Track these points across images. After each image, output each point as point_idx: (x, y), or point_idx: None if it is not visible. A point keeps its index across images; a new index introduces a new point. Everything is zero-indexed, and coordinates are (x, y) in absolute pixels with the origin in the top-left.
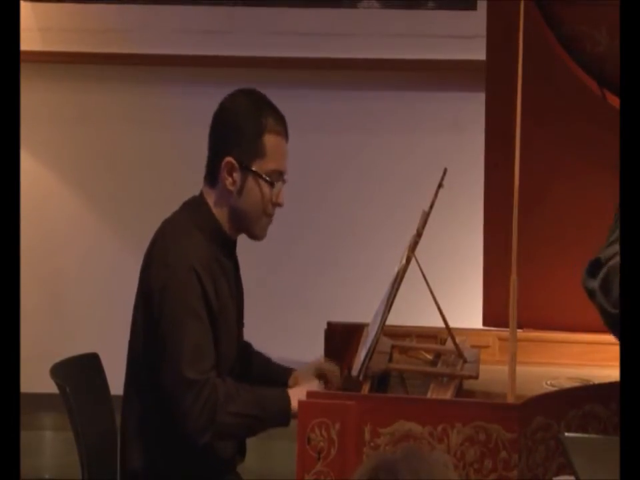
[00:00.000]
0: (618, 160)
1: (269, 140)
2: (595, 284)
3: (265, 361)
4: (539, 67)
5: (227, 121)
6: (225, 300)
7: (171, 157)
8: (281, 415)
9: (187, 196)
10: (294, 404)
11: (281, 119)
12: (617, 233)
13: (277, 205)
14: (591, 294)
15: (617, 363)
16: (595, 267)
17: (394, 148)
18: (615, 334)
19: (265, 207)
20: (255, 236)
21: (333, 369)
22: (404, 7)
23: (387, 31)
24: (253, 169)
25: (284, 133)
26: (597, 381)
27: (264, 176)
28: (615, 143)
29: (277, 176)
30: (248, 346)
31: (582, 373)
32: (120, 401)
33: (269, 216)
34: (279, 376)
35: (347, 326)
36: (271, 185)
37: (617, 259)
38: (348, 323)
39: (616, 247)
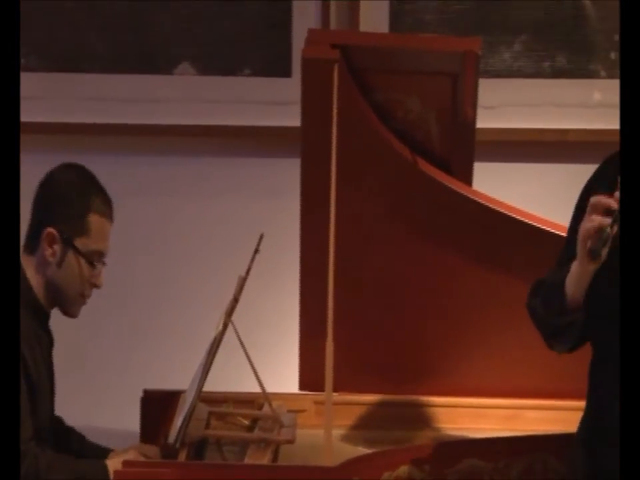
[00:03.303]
0: (430, 223)
1: (94, 220)
2: (537, 301)
3: (81, 437)
4: (353, 134)
5: (54, 191)
6: (41, 370)
7: None
8: None
9: None
10: (112, 474)
11: (108, 201)
12: (564, 257)
13: (95, 286)
14: (532, 313)
15: (432, 425)
16: (538, 287)
17: (211, 213)
18: (553, 345)
19: (82, 286)
20: (68, 313)
21: (151, 450)
22: (220, 74)
23: (203, 97)
24: (75, 245)
25: (109, 215)
26: (410, 443)
27: (86, 255)
28: (428, 210)
29: (98, 257)
30: (61, 420)
31: (396, 435)
32: None
33: (85, 297)
34: (96, 453)
35: (164, 393)
36: (92, 265)
37: (559, 274)
38: (165, 390)
39: (558, 271)
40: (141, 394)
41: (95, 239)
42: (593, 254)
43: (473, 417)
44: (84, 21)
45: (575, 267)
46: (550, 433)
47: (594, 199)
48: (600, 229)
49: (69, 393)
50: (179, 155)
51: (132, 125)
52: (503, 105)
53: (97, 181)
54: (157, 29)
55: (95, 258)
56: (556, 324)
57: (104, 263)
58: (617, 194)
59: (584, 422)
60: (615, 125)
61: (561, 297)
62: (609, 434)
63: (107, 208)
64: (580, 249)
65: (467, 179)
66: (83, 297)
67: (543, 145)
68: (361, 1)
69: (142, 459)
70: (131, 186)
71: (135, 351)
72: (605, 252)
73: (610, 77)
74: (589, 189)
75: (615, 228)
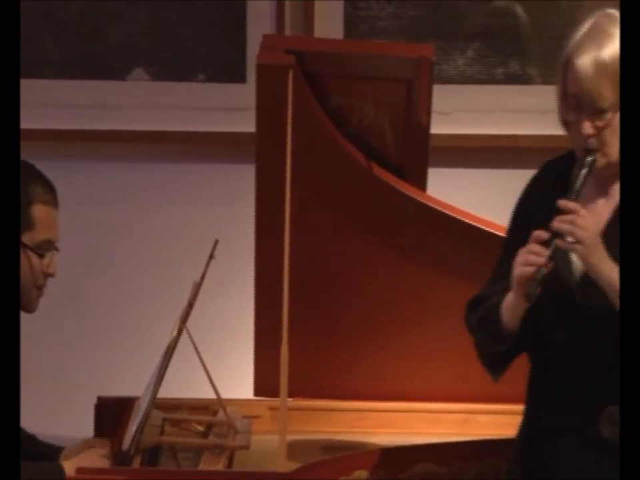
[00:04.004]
0: (385, 229)
1: (38, 210)
2: (474, 319)
3: (31, 437)
4: (308, 139)
5: None
6: None
7: None
8: None
9: None
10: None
11: (49, 188)
12: (499, 271)
13: (49, 275)
14: (471, 329)
15: (386, 430)
16: (476, 304)
17: (166, 219)
18: (489, 370)
19: (35, 279)
20: (25, 309)
21: (103, 444)
22: (174, 79)
23: (158, 103)
24: (23, 241)
25: (53, 201)
26: (364, 448)
27: (33, 248)
28: (382, 215)
29: (48, 246)
30: None
31: (350, 440)
32: None
33: (40, 288)
34: (48, 453)
35: (118, 400)
36: (41, 256)
37: (495, 298)
38: (119, 396)
39: (496, 286)
40: (94, 400)
41: (41, 230)
42: (528, 297)
43: (427, 421)
44: (38, 27)
45: (510, 296)
46: (503, 437)
47: (532, 237)
48: (536, 272)
49: (22, 400)
50: (133, 161)
51: (85, 131)
52: (456, 111)
53: (35, 170)
54: (110, 35)
55: (44, 248)
56: (492, 352)
57: (56, 249)
58: (557, 220)
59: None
60: None
61: (496, 324)
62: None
63: (49, 195)
64: (515, 286)
65: (421, 185)
66: (38, 289)
67: (496, 151)
68: (316, 7)
69: (95, 456)
70: (84, 192)
71: (89, 357)
72: (539, 290)
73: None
74: (524, 200)
75: (550, 265)
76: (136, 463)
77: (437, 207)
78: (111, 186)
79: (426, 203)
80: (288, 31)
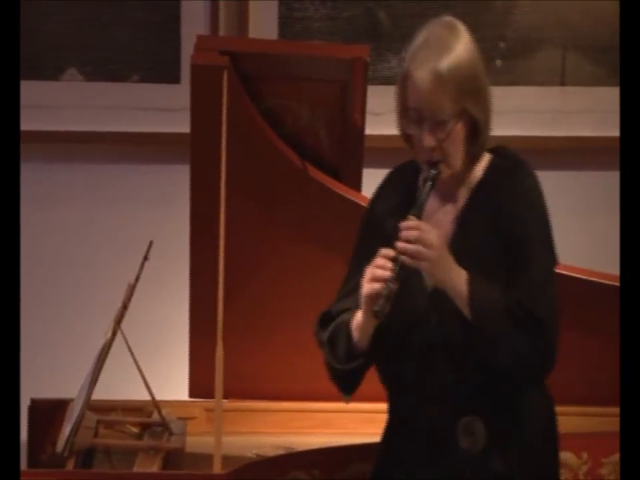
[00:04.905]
0: (320, 229)
1: None
2: (324, 337)
3: None
4: (243, 140)
5: None
6: None
7: None
8: None
9: None
10: None
11: None
12: (347, 286)
13: None
14: (321, 345)
15: (322, 430)
16: (325, 319)
17: (100, 220)
18: (339, 388)
19: None
20: None
21: None
22: (108, 80)
23: (91, 103)
24: None
25: None
26: (300, 449)
27: None
28: (318, 215)
29: None
30: None
31: (286, 440)
32: None
33: None
34: None
35: (52, 402)
36: None
37: (344, 316)
38: (52, 398)
39: (345, 301)
40: (28, 402)
41: None
42: (377, 314)
43: (362, 421)
44: None
45: (359, 315)
46: None
47: (379, 254)
48: (383, 288)
49: None
50: (67, 162)
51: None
52: (391, 112)
53: None
54: (43, 35)
55: None
56: (342, 371)
57: None
58: (402, 239)
59: None
60: (517, 130)
61: (346, 343)
62: None
63: None
64: (364, 304)
65: (356, 185)
66: None
67: None
68: (250, 7)
69: None
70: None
71: (22, 358)
72: (388, 307)
73: (495, 83)
74: (371, 212)
75: (398, 281)
76: (70, 465)
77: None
78: (44, 187)
79: (361, 203)
80: (222, 32)
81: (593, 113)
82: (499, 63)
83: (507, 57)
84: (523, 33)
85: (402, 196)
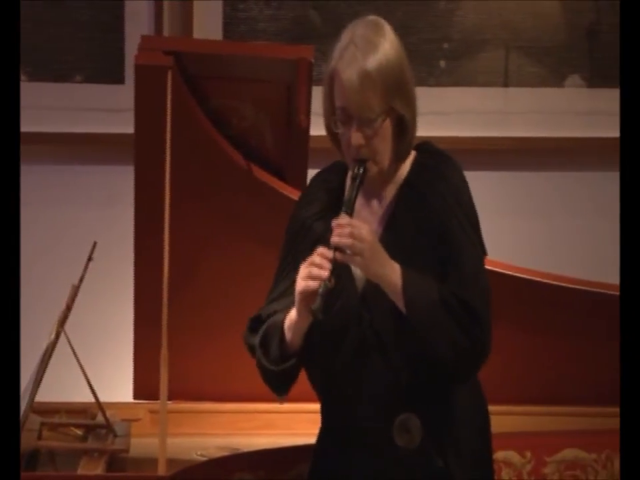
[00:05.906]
0: (265, 229)
1: None
2: (255, 340)
3: None
4: (187, 141)
5: None
6: None
7: None
8: None
9: None
10: None
11: None
12: (277, 290)
13: None
14: (251, 350)
15: (267, 431)
16: (256, 323)
17: (44, 221)
18: (273, 389)
19: None
20: None
21: None
22: (51, 80)
23: (33, 103)
24: None
25: None
26: (245, 450)
27: None
28: (263, 215)
29: None
30: None
31: (231, 441)
32: None
33: None
34: None
35: None
36: None
37: (276, 317)
38: None
39: (275, 305)
40: None
41: None
42: (314, 313)
43: (308, 422)
44: None
45: (293, 313)
46: None
47: (316, 252)
48: (319, 286)
49: None
50: None
51: None
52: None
53: None
54: None
55: None
56: (276, 372)
57: None
58: (335, 235)
59: None
60: (461, 131)
61: (279, 343)
62: None
63: None
64: (298, 302)
65: (301, 185)
66: None
67: None
68: (195, 7)
69: None
70: None
71: None
72: (322, 304)
73: (439, 84)
74: (297, 218)
75: (333, 279)
76: None
77: None
78: None
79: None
80: (166, 32)
81: (536, 113)
82: (442, 63)
83: (450, 57)
84: (466, 34)
85: (328, 199)
